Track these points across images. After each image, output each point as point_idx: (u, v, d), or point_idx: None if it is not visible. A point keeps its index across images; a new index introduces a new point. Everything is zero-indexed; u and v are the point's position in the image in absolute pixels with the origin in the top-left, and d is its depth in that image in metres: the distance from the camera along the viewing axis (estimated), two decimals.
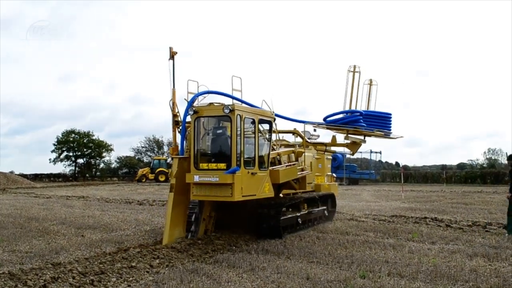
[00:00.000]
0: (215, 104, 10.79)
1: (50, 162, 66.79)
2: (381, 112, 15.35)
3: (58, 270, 7.74)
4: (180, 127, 11.42)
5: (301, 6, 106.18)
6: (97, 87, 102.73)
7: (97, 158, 69.83)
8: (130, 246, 10.30)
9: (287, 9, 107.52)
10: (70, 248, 10.33)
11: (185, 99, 11.41)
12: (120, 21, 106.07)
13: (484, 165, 60.50)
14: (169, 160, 58.76)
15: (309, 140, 14.81)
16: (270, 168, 11.41)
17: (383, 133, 15.02)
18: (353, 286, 7.05)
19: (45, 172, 66.59)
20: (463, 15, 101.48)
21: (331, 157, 17.18)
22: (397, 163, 73.23)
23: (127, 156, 72.76)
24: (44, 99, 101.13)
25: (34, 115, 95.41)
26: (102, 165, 72.73)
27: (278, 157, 12.55)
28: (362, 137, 14.75)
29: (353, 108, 14.96)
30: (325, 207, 14.40)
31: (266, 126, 11.55)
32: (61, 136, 66.10)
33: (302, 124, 14.30)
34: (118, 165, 73.57)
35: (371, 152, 48.06)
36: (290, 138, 15.23)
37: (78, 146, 66.16)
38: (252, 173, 10.51)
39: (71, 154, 67.00)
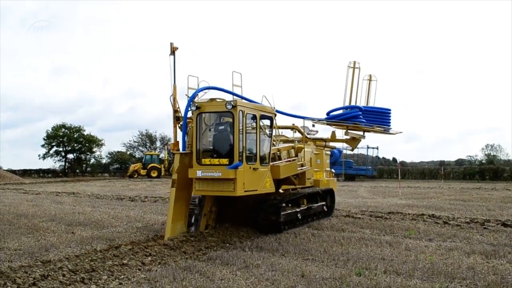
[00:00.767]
0: (217, 100, 11.07)
1: (39, 158, 66.58)
2: (380, 108, 15.56)
3: (48, 268, 7.70)
4: (181, 123, 11.60)
5: (301, 2, 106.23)
6: (90, 81, 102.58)
7: (88, 153, 69.64)
8: (121, 243, 10.27)
9: (286, 4, 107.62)
10: (60, 245, 10.31)
11: (186, 94, 11.66)
12: (114, 15, 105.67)
13: (483, 161, 60.77)
14: (161, 155, 58.73)
15: (308, 136, 14.97)
16: (271, 163, 11.68)
17: (382, 129, 15.22)
18: (348, 284, 7.07)
19: (35, 168, 66.43)
20: (462, 12, 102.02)
21: (329, 153, 17.34)
22: (394, 159, 73.59)
23: (118, 151, 72.65)
24: (36, 93, 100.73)
25: (26, 109, 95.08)
26: (92, 160, 72.69)
27: (278, 152, 12.84)
28: (361, 133, 14.96)
29: (353, 103, 15.12)
30: (324, 203, 14.66)
31: (267, 122, 11.85)
32: (51, 130, 65.80)
33: (301, 120, 14.49)
34: (109, 160, 73.44)
35: (368, 147, 48.27)
36: (289, 134, 15.42)
37: (69, 141, 65.90)
38: (254, 169, 10.80)
39: (61, 149, 66.75)
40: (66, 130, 66.04)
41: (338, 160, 43.07)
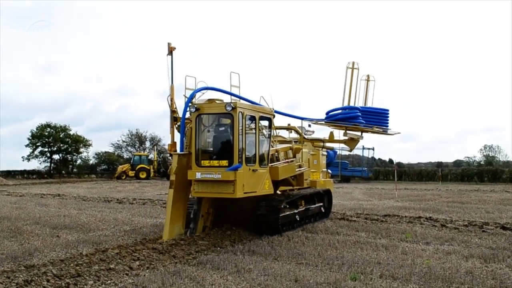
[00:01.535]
0: (217, 101, 11.30)
1: (23, 160, 65.98)
2: (378, 108, 15.79)
3: (32, 273, 7.65)
4: (178, 123, 11.74)
5: (299, 1, 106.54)
6: (79, 79, 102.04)
7: (74, 154, 69.11)
8: (108, 247, 10.23)
9: (284, 4, 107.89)
10: (44, 249, 10.25)
11: (184, 95, 11.82)
12: (105, 12, 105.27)
13: (481, 163, 61.09)
14: (150, 156, 58.54)
15: (306, 136, 15.11)
16: (269, 165, 11.87)
17: (381, 130, 15.42)
18: None
19: (19, 169, 65.88)
20: (462, 12, 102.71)
21: (326, 153, 17.54)
22: (390, 160, 73.71)
23: (106, 152, 72.26)
24: (23, 91, 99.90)
25: (12, 107, 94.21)
26: (79, 161, 72.08)
27: (276, 153, 13.00)
28: (359, 133, 15.15)
29: (351, 104, 15.31)
30: (321, 204, 14.83)
31: (265, 123, 12.09)
32: (35, 130, 65.27)
33: (297, 120, 14.63)
34: (96, 161, 73.04)
35: (363, 148, 48.25)
36: (284, 134, 15.59)
37: (54, 141, 65.37)
38: (253, 170, 10.99)
39: (46, 149, 66.24)
40: (52, 130, 65.45)
41: (333, 161, 43.22)
